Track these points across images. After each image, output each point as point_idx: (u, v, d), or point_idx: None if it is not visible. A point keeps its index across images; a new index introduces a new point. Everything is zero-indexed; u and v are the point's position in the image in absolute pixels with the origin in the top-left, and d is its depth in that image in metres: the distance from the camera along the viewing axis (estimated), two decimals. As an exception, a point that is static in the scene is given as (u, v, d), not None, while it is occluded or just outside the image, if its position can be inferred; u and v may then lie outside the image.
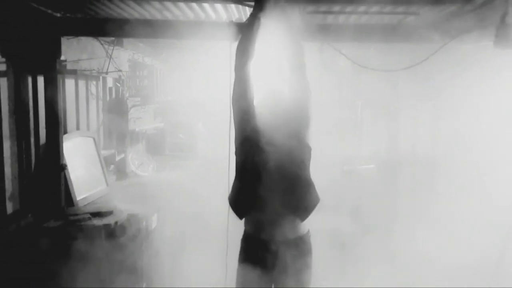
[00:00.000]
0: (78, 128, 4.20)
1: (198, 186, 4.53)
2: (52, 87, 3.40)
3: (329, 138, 5.23)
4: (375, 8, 3.32)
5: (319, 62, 4.26)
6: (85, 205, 3.72)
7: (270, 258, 2.24)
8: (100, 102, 4.71)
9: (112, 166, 4.83)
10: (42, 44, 3.32)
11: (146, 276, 3.38)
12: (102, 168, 4.31)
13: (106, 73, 4.51)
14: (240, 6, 3.40)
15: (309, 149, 2.28)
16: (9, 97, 3.14)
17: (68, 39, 3.72)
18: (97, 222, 3.27)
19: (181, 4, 3.41)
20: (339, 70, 5.44)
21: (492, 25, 2.66)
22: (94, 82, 4.54)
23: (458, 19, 3.06)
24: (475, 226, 4.01)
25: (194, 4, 3.41)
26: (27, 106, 3.35)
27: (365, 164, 5.55)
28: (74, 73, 3.73)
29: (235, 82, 2.26)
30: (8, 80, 3.13)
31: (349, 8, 3.37)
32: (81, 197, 3.78)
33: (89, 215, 3.32)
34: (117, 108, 4.97)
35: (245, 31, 2.30)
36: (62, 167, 3.50)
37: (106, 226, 3.22)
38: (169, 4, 3.41)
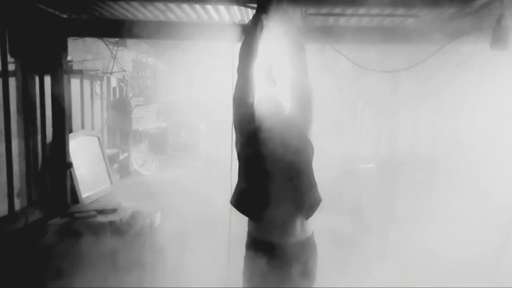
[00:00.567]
0: (83, 127, 4.26)
1: (200, 185, 4.57)
2: (58, 86, 3.46)
3: (330, 138, 5.30)
4: (375, 11, 3.38)
5: (320, 63, 4.30)
6: (90, 203, 3.79)
7: (278, 261, 2.22)
8: (104, 102, 4.77)
9: (115, 165, 4.90)
10: (49, 45, 3.38)
11: (150, 273, 3.44)
12: (106, 166, 4.37)
13: (111, 73, 4.57)
14: (242, 8, 3.46)
15: (312, 148, 2.30)
16: (17, 96, 3.20)
17: (74, 39, 3.79)
18: (102, 219, 3.35)
19: (185, 6, 3.47)
20: (340, 71, 5.50)
21: (489, 27, 2.73)
22: (99, 82, 4.61)
23: (457, 21, 3.13)
24: (474, 225, 4.05)
25: (197, 6, 3.48)
26: (34, 105, 3.42)
27: (365, 164, 5.60)
28: (80, 73, 3.79)
29: (237, 82, 2.27)
30: (16, 80, 3.19)
31: (349, 11, 3.43)
32: (86, 195, 3.85)
33: (94, 212, 3.40)
34: (121, 108, 5.03)
35: (249, 32, 2.32)
36: (68, 165, 3.56)
37: (111, 223, 3.29)
38: (172, 6, 3.47)
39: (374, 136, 6.14)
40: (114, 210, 3.52)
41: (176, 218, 3.90)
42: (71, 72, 3.62)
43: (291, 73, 2.29)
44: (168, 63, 6.65)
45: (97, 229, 3.18)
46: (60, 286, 2.87)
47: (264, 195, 2.20)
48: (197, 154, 6.50)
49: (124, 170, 5.12)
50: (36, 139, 3.45)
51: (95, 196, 3.97)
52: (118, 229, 3.27)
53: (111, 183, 4.37)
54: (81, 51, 4.04)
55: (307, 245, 2.29)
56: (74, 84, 4.03)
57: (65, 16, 3.56)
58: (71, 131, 3.85)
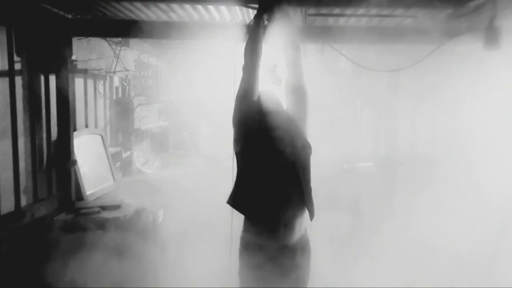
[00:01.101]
0: (86, 126, 4.33)
1: (202, 183, 4.63)
2: (63, 85, 3.54)
3: (330, 137, 5.36)
4: (374, 11, 3.45)
5: (320, 63, 4.37)
6: (94, 200, 3.86)
7: (276, 260, 2.20)
8: (108, 101, 4.84)
9: (118, 163, 4.96)
10: (54, 44, 3.45)
11: (153, 268, 3.51)
12: (110, 164, 4.44)
13: (114, 72, 4.64)
14: (243, 8, 3.52)
15: (310, 147, 2.32)
16: (23, 95, 3.27)
17: (78, 39, 3.85)
18: (106, 215, 3.42)
19: (187, 6, 3.53)
20: (340, 71, 5.56)
21: (482, 28, 2.80)
22: (102, 81, 4.68)
23: (453, 22, 3.19)
24: (472, 222, 4.11)
25: (199, 6, 3.54)
26: (39, 103, 3.48)
27: (365, 162, 5.66)
28: (84, 72, 3.86)
29: (242, 80, 2.27)
30: (22, 78, 3.26)
31: (349, 11, 3.49)
32: (90, 192, 3.92)
33: (98, 209, 3.47)
34: (123, 107, 5.09)
35: (251, 32, 2.37)
36: (73, 163, 3.63)
37: (115, 219, 3.37)
38: (175, 6, 3.53)
39: (374, 135, 6.19)
40: (118, 207, 3.59)
41: (179, 215, 3.97)
42: (75, 71, 3.69)
43: (287, 72, 2.34)
44: (169, 62, 6.71)
45: (102, 225, 3.26)
46: (66, 280, 2.93)
47: (266, 194, 2.17)
48: (198, 153, 6.57)
49: (126, 168, 5.19)
50: (41, 137, 3.51)
51: (98, 193, 4.04)
52: (122, 225, 3.35)
53: (114, 180, 4.43)
54: (85, 50, 4.11)
55: (302, 241, 2.31)
56: (78, 83, 4.10)
57: (70, 16, 3.62)
58: (75, 130, 3.92)
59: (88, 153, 4.10)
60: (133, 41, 5.25)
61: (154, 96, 5.92)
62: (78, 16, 3.71)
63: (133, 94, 5.43)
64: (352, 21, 3.84)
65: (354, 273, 3.84)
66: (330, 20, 3.85)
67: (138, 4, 3.46)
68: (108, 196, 4.07)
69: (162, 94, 6.51)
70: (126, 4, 3.47)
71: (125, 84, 5.28)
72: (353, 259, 4.07)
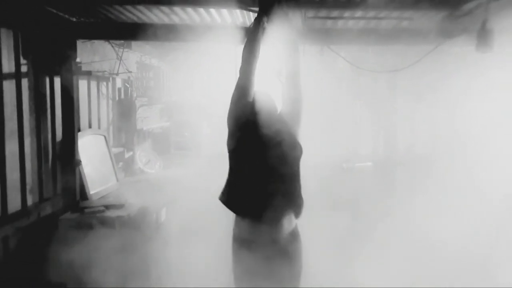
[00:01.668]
0: (90, 126, 4.40)
1: (203, 182, 4.68)
2: (68, 87, 3.61)
3: (329, 137, 5.43)
4: (371, 13, 3.52)
5: (319, 64, 4.44)
6: (98, 199, 3.93)
7: (266, 256, 2.24)
8: (110, 102, 4.91)
9: (121, 163, 5.03)
10: (59, 47, 3.52)
11: (156, 265, 3.58)
12: (113, 164, 4.51)
13: (117, 74, 4.72)
14: (244, 11, 3.59)
15: (301, 146, 2.37)
16: (29, 96, 3.35)
17: (82, 42, 3.93)
18: (110, 214, 3.50)
19: (189, 9, 3.61)
20: (339, 72, 5.63)
21: (475, 30, 2.88)
22: (105, 83, 4.75)
23: (448, 24, 3.27)
24: (470, 220, 4.17)
25: (201, 9, 3.61)
26: (45, 105, 3.56)
27: (364, 162, 5.73)
28: (88, 74, 3.93)
29: (238, 82, 2.33)
30: (29, 80, 3.34)
31: (347, 13, 3.56)
32: (94, 191, 3.99)
33: (103, 208, 3.55)
34: (126, 108, 5.17)
35: (250, 35, 2.44)
36: (77, 163, 3.70)
37: (119, 217, 3.44)
38: (177, 9, 3.61)
39: (373, 135, 6.26)
40: (121, 206, 3.66)
41: (181, 214, 4.04)
42: (80, 73, 3.76)
43: (284, 76, 2.39)
44: (171, 64, 6.79)
45: (106, 223, 3.33)
46: (73, 276, 3.01)
47: (255, 192, 2.22)
48: (199, 153, 6.62)
49: (129, 168, 5.26)
50: (46, 137, 3.59)
51: (102, 192, 4.11)
52: (126, 223, 3.42)
53: (117, 180, 4.51)
54: (89, 53, 4.19)
55: (292, 237, 2.34)
56: (82, 84, 4.17)
57: (74, 19, 3.70)
58: (79, 130, 3.99)
59: (92, 153, 4.17)
60: (135, 43, 5.33)
61: (156, 97, 6.00)
62: (82, 19, 3.79)
63: (135, 95, 5.50)
64: (350, 23, 3.91)
65: (353, 272, 3.89)
66: (329, 22, 3.92)
67: (141, 7, 3.54)
68: (112, 196, 4.14)
69: (164, 95, 6.58)
70: (129, 7, 3.55)
71: (128, 85, 5.36)
72: (352, 257, 4.12)
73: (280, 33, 2.43)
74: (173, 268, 3.52)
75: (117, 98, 5.14)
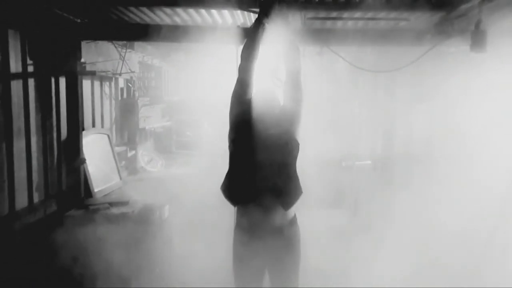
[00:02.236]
0: (93, 126, 4.47)
1: (204, 181, 4.75)
2: (72, 87, 3.69)
3: (329, 136, 5.50)
4: (370, 14, 3.59)
5: (319, 64, 4.51)
6: (102, 196, 4.01)
7: (261, 247, 2.40)
8: (113, 102, 4.98)
9: (123, 162, 5.11)
10: (64, 48, 3.60)
11: (159, 261, 3.65)
12: (116, 163, 4.59)
13: (120, 74, 4.79)
14: (245, 12, 3.66)
15: (297, 144, 2.47)
16: (35, 96, 3.42)
17: (87, 43, 4.00)
18: (115, 211, 3.58)
19: (191, 10, 3.68)
20: (338, 72, 5.70)
21: (470, 31, 2.95)
22: (108, 83, 4.82)
23: (444, 25, 3.34)
24: (466, 217, 4.24)
25: (202, 10, 3.68)
26: (50, 104, 3.64)
27: (363, 161, 5.80)
28: (92, 74, 4.00)
29: (237, 81, 2.46)
30: (35, 81, 3.41)
31: (346, 14, 3.63)
32: (98, 189, 4.06)
33: (107, 205, 3.62)
34: (128, 107, 5.24)
35: (250, 35, 2.51)
36: (82, 161, 3.78)
37: (124, 214, 3.52)
38: (179, 10, 3.68)
39: (371, 134, 6.32)
40: (125, 203, 3.74)
41: (183, 211, 4.11)
42: (84, 73, 3.83)
43: (285, 76, 2.47)
44: (172, 64, 6.86)
45: (111, 220, 3.40)
46: (77, 272, 3.09)
47: (248, 184, 2.39)
48: (201, 152, 6.68)
49: (131, 167, 5.33)
50: (52, 136, 3.66)
51: (106, 190, 4.19)
52: (130, 220, 3.49)
53: (120, 178, 4.58)
54: (93, 53, 4.26)
55: (289, 228, 2.47)
56: (86, 84, 4.24)
57: (79, 21, 3.77)
58: (83, 129, 4.06)
59: (96, 152, 4.24)
60: (137, 44, 5.40)
61: (158, 97, 6.06)
62: (87, 21, 3.86)
63: (137, 95, 5.57)
64: (349, 24, 3.98)
65: (352, 266, 3.96)
66: (328, 23, 3.99)
67: (144, 9, 3.62)
68: (115, 193, 4.22)
69: (166, 95, 6.65)
70: (133, 9, 3.62)
71: (130, 85, 5.43)
72: (351, 252, 4.19)
73: (280, 33, 2.51)
74: (176, 263, 3.61)
75: (119, 97, 5.22)
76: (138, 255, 3.34)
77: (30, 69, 3.36)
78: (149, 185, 4.76)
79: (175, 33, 3.75)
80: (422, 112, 5.89)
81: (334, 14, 3.61)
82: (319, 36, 3.58)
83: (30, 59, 3.35)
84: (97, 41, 4.21)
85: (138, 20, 4.03)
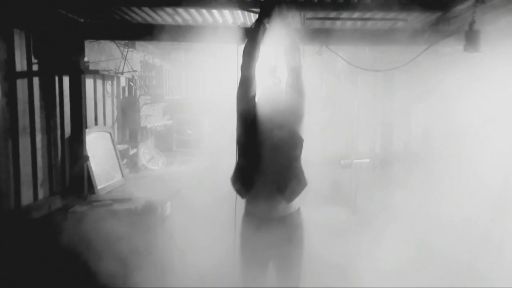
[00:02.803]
0: (96, 124, 4.54)
1: (205, 178, 4.82)
2: (76, 85, 3.74)
3: (328, 135, 5.57)
4: (368, 15, 3.66)
5: (318, 63, 4.57)
6: (105, 193, 4.07)
7: (265, 234, 2.53)
8: (115, 100, 5.04)
9: (125, 160, 5.17)
10: (68, 47, 3.66)
11: (162, 257, 3.72)
12: (118, 161, 4.65)
13: (122, 73, 4.85)
14: (245, 12, 3.72)
15: (301, 139, 2.57)
16: (40, 94, 3.48)
17: (90, 42, 4.06)
18: (118, 207, 3.64)
19: (192, 10, 3.74)
20: (337, 71, 5.78)
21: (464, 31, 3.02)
22: (110, 82, 4.89)
23: (441, 25, 3.41)
24: (463, 215, 4.31)
25: (203, 10, 3.75)
26: (54, 103, 3.70)
27: (362, 159, 5.87)
28: (96, 73, 4.06)
29: (240, 80, 2.56)
30: (39, 79, 3.48)
31: (345, 15, 3.70)
32: (101, 186, 4.13)
33: (110, 201, 3.69)
34: (130, 106, 5.30)
35: (251, 35, 2.60)
36: (85, 158, 3.84)
37: (127, 210, 3.58)
38: (180, 10, 3.74)
39: (370, 133, 6.40)
40: (128, 200, 3.81)
41: (185, 208, 4.18)
42: (87, 72, 3.89)
43: (286, 74, 2.55)
44: (173, 63, 6.92)
45: (114, 216, 3.47)
46: (80, 267, 3.16)
47: (254, 175, 2.52)
48: (201, 150, 6.74)
49: (133, 165, 5.39)
50: (56, 134, 3.72)
51: (108, 187, 4.25)
52: (133, 216, 3.56)
53: (123, 176, 4.65)
54: (96, 52, 4.32)
55: (292, 219, 2.59)
56: (88, 83, 4.29)
57: (82, 20, 3.84)
58: (86, 127, 4.12)
59: (98, 149, 4.31)
60: (138, 43, 5.46)
61: (159, 96, 6.12)
62: (90, 20, 3.92)
63: (139, 93, 5.63)
64: (348, 24, 4.06)
65: (351, 262, 4.03)
66: (327, 23, 4.07)
67: (146, 9, 3.68)
68: (118, 190, 4.29)
69: (167, 94, 6.71)
70: (135, 9, 3.69)
71: (132, 84, 5.49)
72: (351, 250, 4.25)
73: (280, 32, 2.57)
74: (177, 258, 3.68)
75: (121, 96, 5.28)
76: (140, 252, 3.41)
77: (35, 68, 3.43)
78: (151, 183, 4.83)
79: (177, 32, 3.78)
80: (420, 110, 5.97)
81: (333, 14, 3.68)
82: (318, 36, 3.63)
83: (35, 58, 3.41)
84: (100, 41, 4.27)
85: (140, 20, 4.09)
